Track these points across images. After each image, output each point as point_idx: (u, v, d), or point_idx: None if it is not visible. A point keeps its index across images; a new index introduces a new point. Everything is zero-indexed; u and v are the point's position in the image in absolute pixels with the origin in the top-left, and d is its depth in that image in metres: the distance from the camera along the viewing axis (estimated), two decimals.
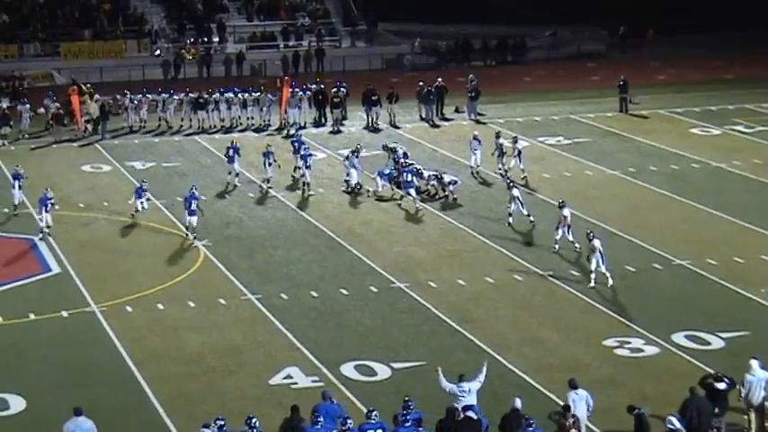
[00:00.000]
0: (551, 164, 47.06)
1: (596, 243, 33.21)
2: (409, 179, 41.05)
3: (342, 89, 54.98)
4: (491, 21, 78.22)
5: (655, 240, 37.15)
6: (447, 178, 42.08)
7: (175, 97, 53.98)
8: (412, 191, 40.91)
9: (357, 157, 43.66)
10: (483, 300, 32.73)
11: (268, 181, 43.73)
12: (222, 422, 22.54)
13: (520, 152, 44.39)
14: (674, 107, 57.35)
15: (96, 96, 53.48)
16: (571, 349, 29.33)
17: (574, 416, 23.05)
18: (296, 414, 23.38)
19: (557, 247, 36.00)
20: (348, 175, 43.31)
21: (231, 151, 44.13)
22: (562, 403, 23.77)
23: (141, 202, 39.62)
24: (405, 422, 22.76)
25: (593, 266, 33.16)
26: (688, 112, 56.41)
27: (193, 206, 37.60)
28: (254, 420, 22.66)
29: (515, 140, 45.17)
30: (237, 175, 44.24)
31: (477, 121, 54.83)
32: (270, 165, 43.63)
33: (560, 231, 35.93)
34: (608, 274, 33.09)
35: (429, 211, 40.92)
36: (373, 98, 53.89)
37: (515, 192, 38.91)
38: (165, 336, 30.48)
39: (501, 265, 35.46)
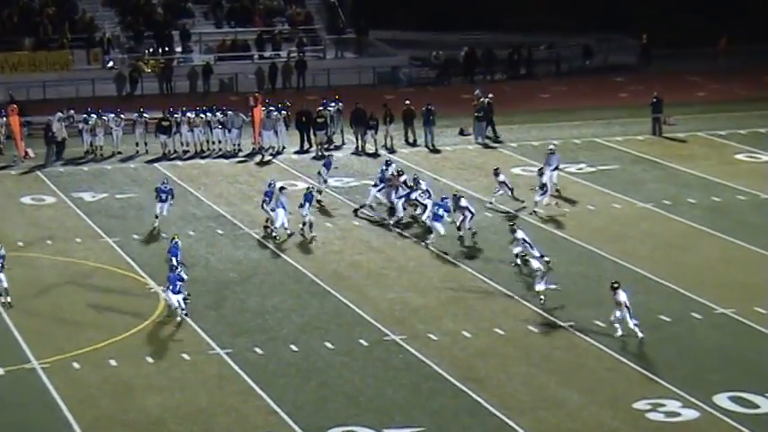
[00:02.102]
0: (572, 195, 47.24)
1: (621, 296, 33.16)
2: (440, 213, 41.03)
3: (329, 108, 55.17)
4: (499, 28, 78.48)
5: (693, 285, 37.29)
6: (464, 202, 41.86)
7: (122, 117, 53.98)
8: (438, 225, 40.89)
9: (284, 194, 42.38)
10: (492, 355, 32.82)
11: (304, 225, 42.28)
12: None
13: (503, 183, 44.93)
14: (717, 129, 57.65)
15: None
16: (595, 413, 29.41)
17: None
18: None
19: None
20: (275, 214, 41.94)
21: (163, 194, 43.32)
22: None
23: (178, 300, 35.09)
24: None
25: (613, 318, 33.13)
26: (733, 134, 56.71)
27: (180, 258, 37.23)
28: None
29: (496, 173, 45.43)
30: (157, 217, 43.31)
31: (486, 146, 55.13)
32: (307, 207, 41.99)
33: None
34: (637, 329, 33.11)
35: (427, 250, 41.01)
36: (371, 122, 54.09)
37: (519, 234, 38.63)
38: (117, 397, 30.49)
39: (513, 314, 35.57)
